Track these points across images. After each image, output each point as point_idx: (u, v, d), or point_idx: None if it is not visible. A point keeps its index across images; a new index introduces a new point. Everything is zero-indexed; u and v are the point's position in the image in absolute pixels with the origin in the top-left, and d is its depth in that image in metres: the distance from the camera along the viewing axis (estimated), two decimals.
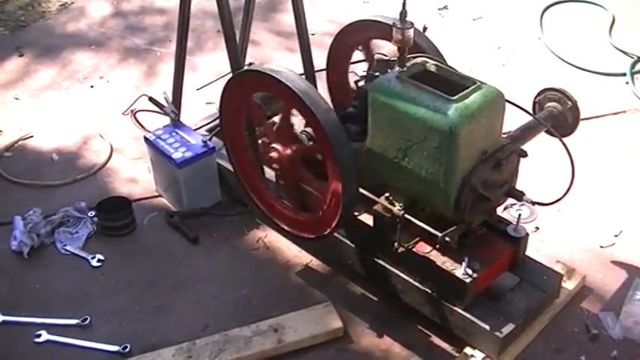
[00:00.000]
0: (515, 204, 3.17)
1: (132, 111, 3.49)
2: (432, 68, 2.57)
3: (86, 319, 2.85)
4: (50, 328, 2.83)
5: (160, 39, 4.66)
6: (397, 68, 2.54)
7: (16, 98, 4.17)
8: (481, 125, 2.42)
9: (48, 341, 2.79)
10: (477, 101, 2.40)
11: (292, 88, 2.48)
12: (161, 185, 3.40)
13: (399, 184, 2.60)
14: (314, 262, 3.08)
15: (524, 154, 2.62)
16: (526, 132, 2.73)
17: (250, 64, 3.48)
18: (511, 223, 2.74)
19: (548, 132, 2.90)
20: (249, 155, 2.93)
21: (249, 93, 2.74)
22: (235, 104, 2.80)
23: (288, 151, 2.68)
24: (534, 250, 3.02)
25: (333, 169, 2.54)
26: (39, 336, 2.80)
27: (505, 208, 2.92)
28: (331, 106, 2.54)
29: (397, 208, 2.58)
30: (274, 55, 4.50)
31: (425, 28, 4.61)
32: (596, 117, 3.87)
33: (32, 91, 4.23)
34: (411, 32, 2.50)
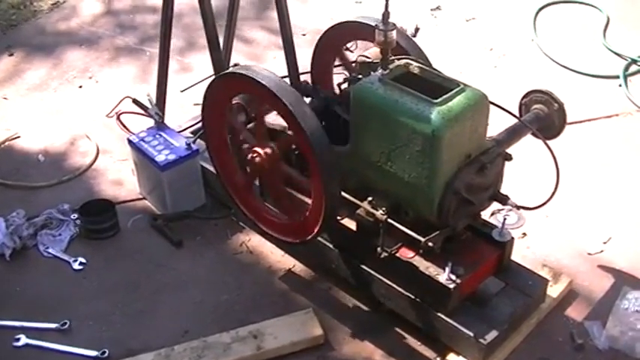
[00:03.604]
0: (502, 209, 3.14)
1: (116, 113, 3.45)
2: (416, 70, 2.53)
3: (65, 323, 2.81)
4: (29, 332, 2.79)
5: (150, 38, 4.61)
6: (380, 70, 2.50)
7: (5, 98, 4.14)
8: (465, 128, 2.38)
9: (27, 345, 2.76)
10: (460, 104, 2.36)
11: (273, 90, 2.44)
12: (145, 188, 3.37)
13: (383, 188, 2.57)
14: (297, 267, 3.04)
15: (509, 158, 2.59)
16: (511, 135, 2.69)
17: (235, 64, 3.46)
18: (496, 227, 2.70)
19: (534, 134, 2.87)
20: (231, 158, 2.89)
21: (231, 96, 2.70)
22: (217, 107, 2.76)
23: (268, 150, 2.63)
24: (521, 255, 2.98)
25: (314, 172, 2.50)
26: (18, 340, 2.76)
27: (493, 214, 2.88)
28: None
29: (380, 213, 2.54)
30: (266, 53, 4.46)
31: (417, 29, 4.65)
32: (589, 120, 3.82)
33: (21, 90, 4.20)
34: (393, 34, 2.47)
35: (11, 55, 4.51)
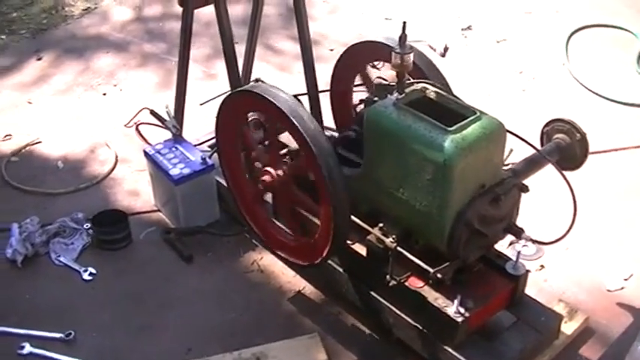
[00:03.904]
0: (527, 236, 3.06)
1: (135, 123, 3.44)
2: (432, 95, 2.47)
3: (70, 333, 2.79)
4: (34, 341, 2.77)
5: (177, 47, 4.60)
6: (395, 94, 2.45)
7: (29, 102, 4.16)
8: (479, 158, 2.31)
9: (31, 354, 2.74)
10: (474, 133, 2.29)
11: (283, 110, 2.40)
12: (160, 200, 3.35)
13: (394, 214, 2.51)
14: (307, 289, 2.99)
15: (526, 190, 2.51)
16: (530, 165, 2.62)
17: (257, 79, 3.43)
18: (510, 259, 2.62)
19: (557, 163, 2.79)
20: (244, 175, 2.85)
21: (244, 113, 2.67)
22: (231, 124, 2.73)
23: (279, 171, 2.59)
24: (537, 289, 2.90)
25: (323, 195, 2.46)
26: (22, 348, 2.75)
27: (510, 244, 2.82)
28: (322, 129, 2.44)
29: (390, 240, 2.48)
30: (293, 65, 4.39)
31: (446, 49, 4.58)
32: (616, 149, 3.72)
33: (46, 95, 4.21)
34: (410, 57, 2.41)
35: (39, 59, 4.53)
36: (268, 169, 2.62)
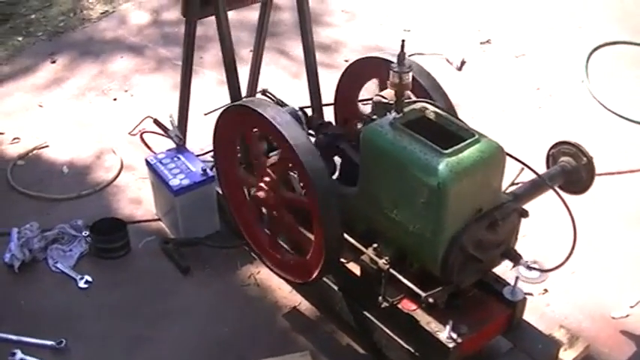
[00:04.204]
0: (525, 262, 2.98)
1: (140, 131, 3.42)
2: (431, 115, 2.41)
3: (61, 341, 2.77)
4: (26, 348, 2.75)
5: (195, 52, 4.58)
6: (393, 113, 2.39)
7: (40, 105, 4.16)
8: (475, 182, 2.25)
9: None
10: (471, 156, 2.23)
11: (275, 125, 2.35)
12: (160, 210, 3.32)
13: (389, 235, 2.45)
14: (303, 305, 2.94)
15: (525, 215, 2.44)
16: (532, 189, 2.54)
17: (264, 91, 3.39)
18: (509, 284, 2.55)
19: (560, 188, 2.72)
20: (241, 190, 2.81)
21: (241, 127, 2.63)
22: (228, 138, 2.69)
23: (271, 193, 2.56)
24: (539, 313, 2.83)
25: (315, 213, 2.41)
26: (13, 354, 2.73)
27: (514, 266, 2.75)
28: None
29: (383, 262, 2.42)
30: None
31: (463, 62, 4.51)
32: (631, 171, 3.62)
33: (57, 99, 4.22)
34: (409, 76, 2.35)
35: (54, 62, 4.55)
36: (262, 184, 2.58)
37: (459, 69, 4.43)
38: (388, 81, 2.37)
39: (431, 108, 2.43)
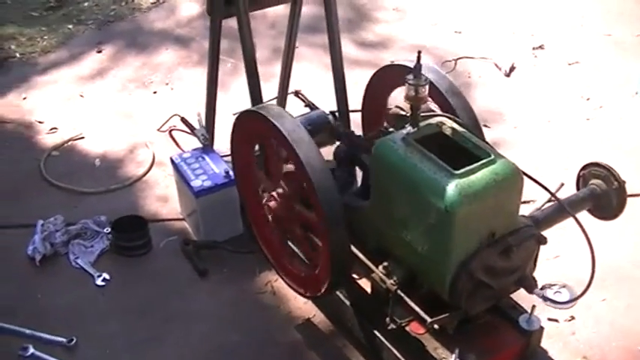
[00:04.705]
0: (555, 284, 2.85)
1: (170, 128, 3.39)
2: (448, 131, 2.29)
3: (72, 339, 2.77)
4: (37, 343, 2.76)
5: (238, 47, 4.51)
6: (408, 127, 2.29)
7: (81, 96, 4.19)
8: (487, 205, 2.13)
9: (32, 355, 2.72)
10: (484, 179, 2.11)
11: (283, 132, 2.28)
12: (184, 210, 3.29)
13: (399, 254, 2.35)
14: (317, 317, 2.86)
15: (544, 241, 2.30)
16: (554, 214, 2.40)
17: (296, 92, 3.33)
18: (525, 312, 2.42)
19: (590, 212, 2.57)
20: (257, 195, 2.75)
21: (257, 133, 2.56)
22: (244, 143, 2.63)
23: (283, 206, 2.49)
24: (562, 342, 2.70)
25: (323, 232, 2.33)
26: (25, 349, 2.74)
27: (542, 288, 2.63)
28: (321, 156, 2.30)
29: (391, 282, 2.33)
30: (350, 72, 4.20)
31: (512, 68, 4.34)
32: None
33: (98, 90, 4.23)
34: (425, 89, 2.24)
35: (99, 51, 4.57)
36: (274, 194, 2.51)
37: (508, 75, 4.26)
38: (404, 93, 2.26)
39: (448, 123, 2.31)
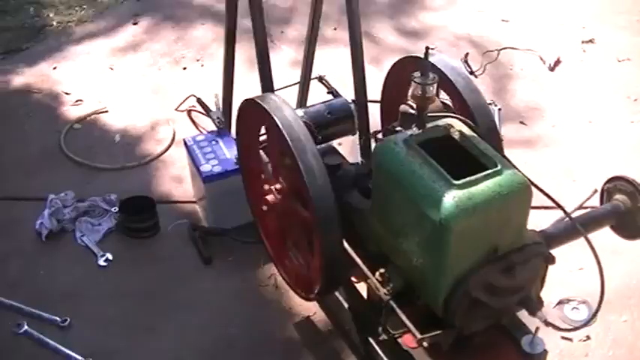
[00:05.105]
0: (574, 299, 2.69)
1: (188, 108, 3.30)
2: (456, 135, 2.13)
3: (66, 320, 2.72)
4: (32, 321, 2.73)
5: (278, 24, 4.39)
6: (413, 129, 2.14)
7: (111, 68, 4.13)
8: (489, 220, 1.96)
9: (26, 333, 2.70)
10: (485, 191, 1.94)
11: (277, 121, 2.16)
12: (196, 193, 3.20)
13: (397, 263, 2.22)
14: (317, 316, 2.75)
15: (552, 261, 2.13)
16: (567, 231, 2.23)
17: (320, 77, 3.21)
18: (530, 332, 2.26)
19: (613, 229, 2.39)
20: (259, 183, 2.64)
21: (257, 122, 2.45)
22: (248, 131, 2.52)
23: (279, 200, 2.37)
24: None
25: (316, 234, 2.21)
26: (20, 326, 2.71)
27: (559, 303, 2.47)
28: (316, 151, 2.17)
29: (385, 292, 2.19)
30: (386, 58, 4.05)
31: (557, 62, 4.11)
32: None
33: (129, 63, 4.17)
34: (433, 89, 2.08)
35: (135, 24, 4.50)
36: (272, 188, 2.40)
37: (552, 69, 4.04)
38: (409, 92, 2.11)
39: (458, 125, 2.15)
